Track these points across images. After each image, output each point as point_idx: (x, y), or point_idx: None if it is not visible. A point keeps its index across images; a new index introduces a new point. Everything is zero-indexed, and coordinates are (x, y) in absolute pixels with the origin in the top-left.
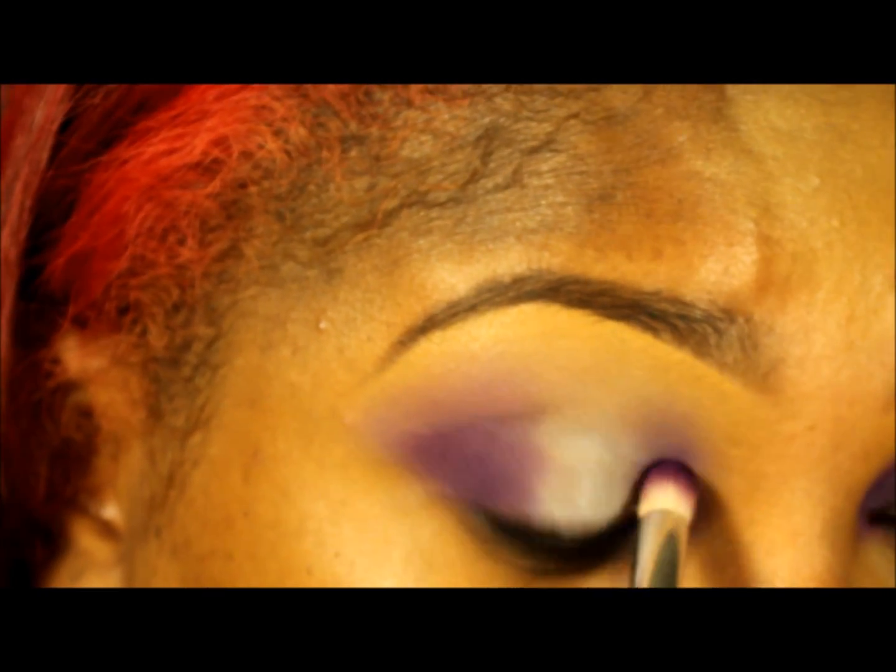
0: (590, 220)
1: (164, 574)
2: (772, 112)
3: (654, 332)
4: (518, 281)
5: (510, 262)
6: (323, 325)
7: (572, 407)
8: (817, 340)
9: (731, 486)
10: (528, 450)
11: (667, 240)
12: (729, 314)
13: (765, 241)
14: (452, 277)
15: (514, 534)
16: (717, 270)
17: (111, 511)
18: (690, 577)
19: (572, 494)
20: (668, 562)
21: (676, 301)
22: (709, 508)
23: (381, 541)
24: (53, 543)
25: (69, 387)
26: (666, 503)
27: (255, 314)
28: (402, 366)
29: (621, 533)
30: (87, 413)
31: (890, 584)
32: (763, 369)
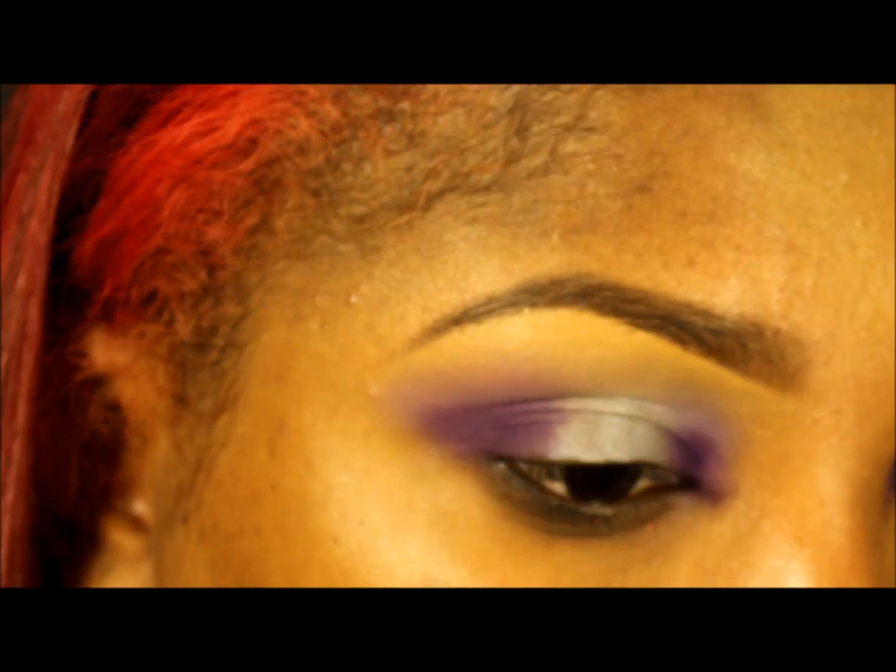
0: (629, 217)
1: (193, 559)
2: (803, 98)
3: (682, 343)
4: (556, 284)
5: (551, 263)
6: (354, 299)
7: (596, 394)
8: (843, 342)
9: (758, 462)
10: (549, 407)
11: (700, 244)
12: (757, 328)
13: (792, 248)
14: (494, 273)
15: (534, 487)
16: (747, 283)
17: (139, 506)
18: (725, 541)
19: (594, 437)
20: None
21: (707, 314)
22: (738, 477)
23: (404, 507)
24: (82, 540)
25: (96, 381)
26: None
27: (284, 288)
28: (432, 350)
29: (641, 501)
30: (114, 407)
31: None
32: (789, 374)
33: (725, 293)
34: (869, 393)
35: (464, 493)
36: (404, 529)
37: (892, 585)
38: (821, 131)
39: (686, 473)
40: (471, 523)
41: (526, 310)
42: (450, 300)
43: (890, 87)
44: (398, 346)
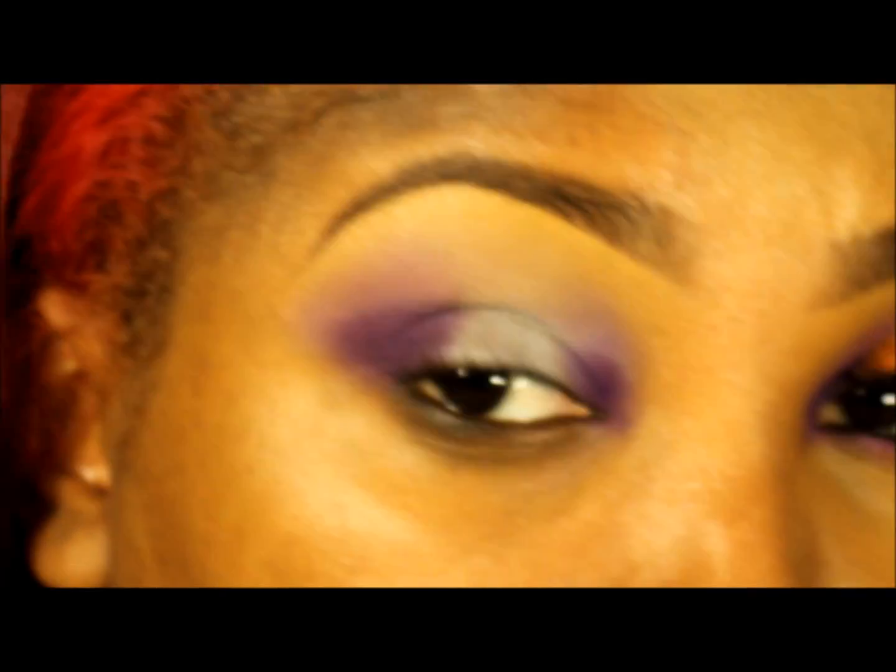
0: (509, 105)
1: (132, 506)
2: None
3: (567, 217)
4: (438, 163)
5: (431, 145)
6: (259, 226)
7: (490, 287)
8: (735, 234)
9: (659, 378)
10: (446, 317)
11: (582, 127)
12: (642, 203)
13: (680, 133)
14: (375, 162)
15: (435, 406)
16: (631, 161)
17: (97, 471)
18: (631, 471)
19: (490, 341)
20: None
21: (589, 187)
22: (643, 402)
23: (315, 436)
24: (43, 504)
25: (53, 340)
26: None
27: (203, 228)
28: (331, 253)
29: (548, 429)
30: (72, 367)
31: (843, 492)
32: (678, 260)
33: (609, 169)
34: (768, 302)
35: (372, 419)
36: (315, 457)
37: (807, 525)
38: None
39: (593, 403)
40: (378, 450)
41: (412, 192)
42: (339, 199)
43: None
44: (300, 260)
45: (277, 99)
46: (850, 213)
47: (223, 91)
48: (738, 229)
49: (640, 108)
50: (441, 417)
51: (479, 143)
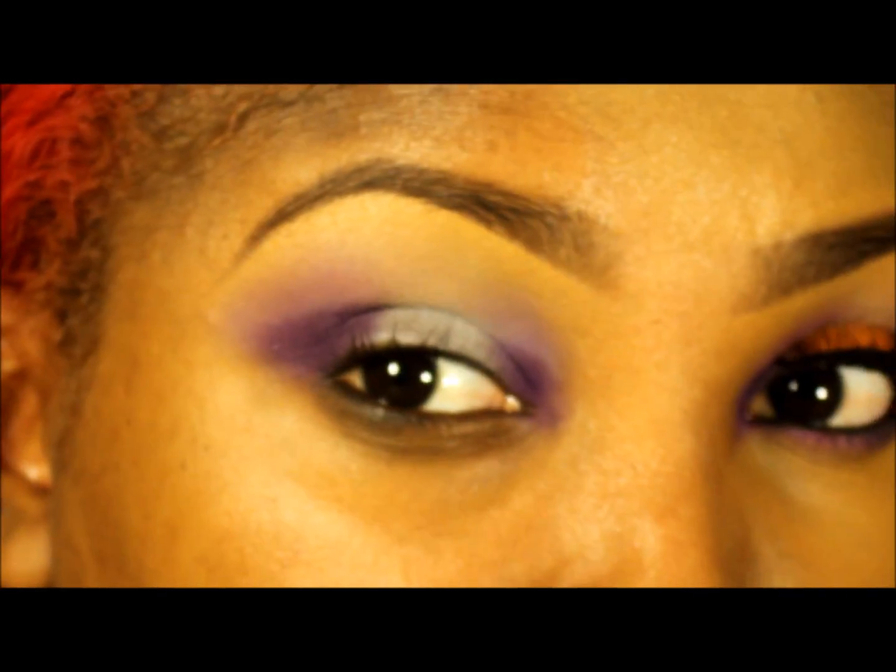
0: (426, 111)
1: (70, 504)
2: None
3: (487, 223)
4: (358, 170)
5: (352, 152)
6: (187, 229)
7: (413, 292)
8: (655, 240)
9: (585, 377)
10: (374, 331)
11: (501, 132)
12: (561, 210)
13: (598, 140)
14: (299, 170)
15: (366, 402)
16: (550, 168)
17: (39, 470)
18: (563, 465)
19: (413, 324)
20: None
21: (508, 194)
22: (571, 399)
23: (246, 432)
24: None
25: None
26: None
27: (132, 228)
28: (255, 260)
29: (480, 421)
30: (11, 366)
31: (773, 485)
32: (599, 266)
33: (528, 176)
34: (691, 305)
35: (302, 415)
36: (247, 453)
37: (737, 520)
38: None
39: (523, 396)
40: (310, 444)
41: (333, 199)
42: (263, 206)
43: None
44: (226, 265)
45: (202, 101)
46: (770, 219)
47: (148, 92)
48: (658, 235)
49: (558, 114)
50: (371, 411)
51: (400, 149)
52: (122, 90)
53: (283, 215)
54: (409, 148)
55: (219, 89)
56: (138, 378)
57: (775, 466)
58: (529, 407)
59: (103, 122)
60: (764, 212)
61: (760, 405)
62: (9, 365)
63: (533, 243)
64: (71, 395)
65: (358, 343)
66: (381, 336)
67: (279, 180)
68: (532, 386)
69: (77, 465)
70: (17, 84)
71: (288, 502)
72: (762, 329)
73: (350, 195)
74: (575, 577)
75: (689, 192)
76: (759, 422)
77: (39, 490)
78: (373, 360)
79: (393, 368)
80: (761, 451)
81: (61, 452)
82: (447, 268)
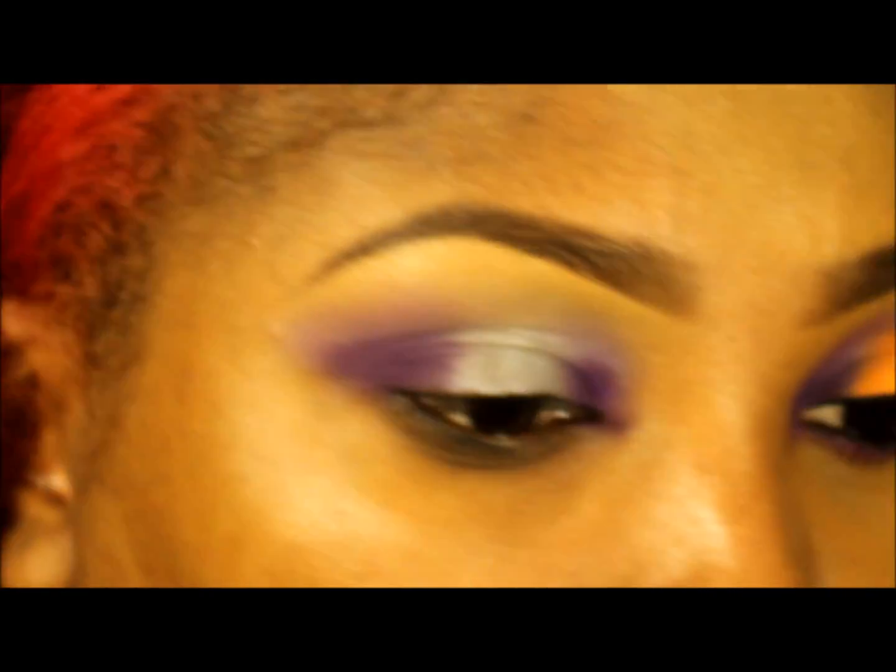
0: (515, 146)
1: (108, 518)
2: None
3: (573, 266)
4: (446, 213)
5: (440, 193)
6: (253, 240)
7: (493, 325)
8: (733, 268)
9: (657, 390)
10: (449, 346)
11: (585, 169)
12: (646, 250)
13: (677, 172)
14: (386, 206)
15: (436, 419)
16: (632, 205)
17: (56, 480)
18: (631, 471)
19: (494, 371)
20: None
21: (596, 237)
22: (639, 407)
23: (309, 444)
24: (5, 513)
25: (10, 353)
26: None
27: (186, 234)
28: (330, 286)
29: (546, 432)
30: (29, 378)
31: (827, 485)
32: (680, 297)
33: (613, 217)
34: (763, 321)
35: (369, 427)
36: (311, 465)
37: (800, 519)
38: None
39: (588, 406)
40: (376, 456)
41: (418, 241)
42: (344, 235)
43: None
44: (297, 284)
45: (272, 112)
46: (835, 238)
47: (209, 99)
48: (735, 263)
49: (639, 147)
50: (442, 427)
51: (486, 191)
52: (183, 96)
53: (364, 249)
54: (496, 190)
55: (290, 100)
56: (191, 388)
57: (823, 468)
58: (595, 414)
59: (159, 127)
60: (829, 231)
61: (809, 413)
62: (24, 376)
63: (617, 283)
64: (107, 407)
65: (432, 385)
66: (457, 384)
67: (363, 212)
68: (598, 393)
69: (119, 478)
70: (49, 86)
71: (357, 514)
72: (824, 341)
73: (436, 237)
74: (651, 583)
75: (764, 217)
76: (809, 426)
77: (55, 499)
78: None
79: None
80: (811, 455)
81: (94, 465)
82: (530, 307)
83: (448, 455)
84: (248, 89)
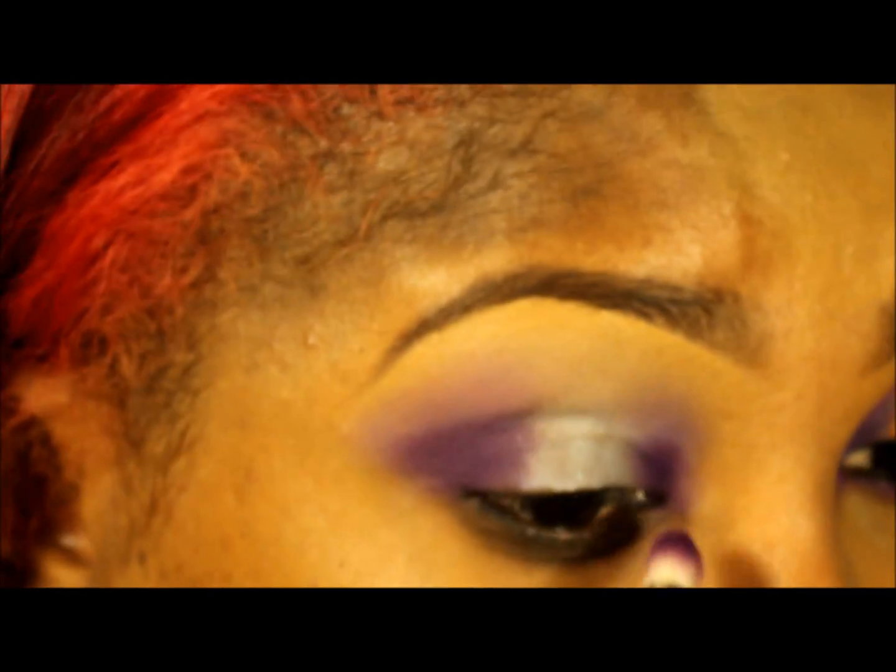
0: (577, 214)
1: None
2: (737, 92)
3: (648, 317)
4: (510, 278)
5: (500, 260)
6: (311, 340)
7: (568, 395)
8: (800, 313)
9: (724, 459)
10: (520, 433)
11: (654, 228)
12: (718, 294)
13: (746, 220)
14: (443, 280)
15: (508, 518)
16: (704, 254)
17: (78, 540)
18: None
19: (565, 465)
20: None
21: (668, 286)
22: (704, 482)
23: (382, 547)
24: (20, 576)
25: (31, 424)
26: (672, 575)
27: (237, 336)
28: (398, 371)
29: (611, 523)
30: (50, 448)
31: (868, 534)
32: (752, 344)
33: (684, 267)
34: (828, 375)
35: (440, 528)
36: (384, 568)
37: (852, 577)
38: (758, 121)
39: (653, 489)
40: (449, 558)
41: (483, 309)
42: (404, 317)
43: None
44: (363, 378)
45: (320, 210)
46: (892, 273)
47: (256, 200)
48: (801, 308)
49: (708, 201)
50: (515, 526)
51: (551, 254)
52: (228, 195)
53: (427, 325)
54: (560, 253)
55: (339, 197)
56: (254, 489)
57: (863, 515)
58: (660, 497)
59: (203, 227)
60: (888, 267)
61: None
62: (48, 443)
63: (693, 329)
64: (149, 490)
65: (507, 485)
66: (532, 483)
67: (420, 290)
68: (664, 475)
69: (168, 564)
70: (97, 190)
71: None
72: (883, 384)
73: (503, 303)
74: None
75: (825, 260)
76: (852, 473)
77: (74, 560)
78: None
79: None
80: (852, 503)
81: (136, 543)
82: (605, 367)
83: (521, 551)
84: (296, 190)
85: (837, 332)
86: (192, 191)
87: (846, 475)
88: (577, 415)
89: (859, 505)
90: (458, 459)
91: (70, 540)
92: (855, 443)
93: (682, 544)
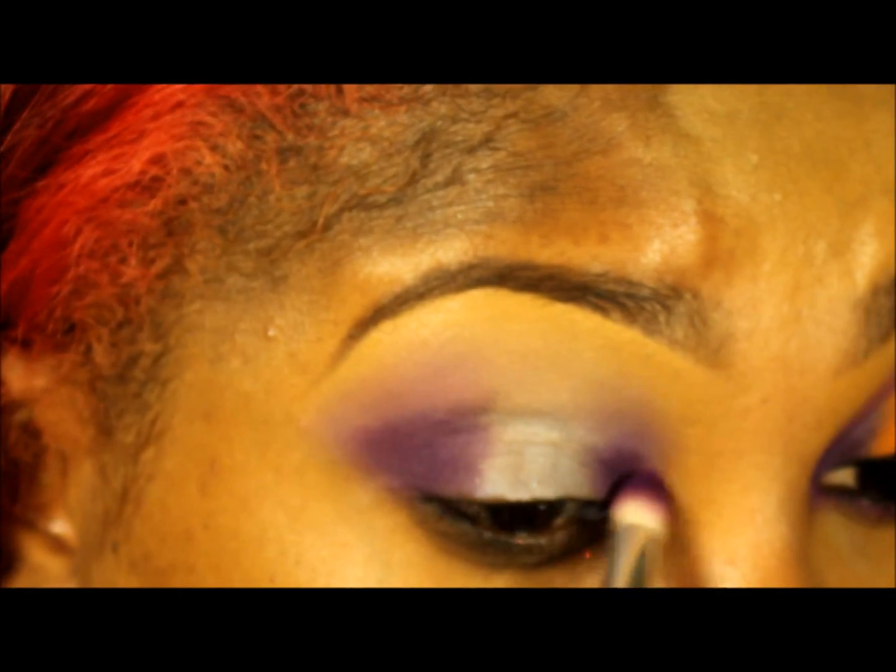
0: (533, 209)
1: (119, 584)
2: (707, 96)
3: (604, 311)
4: (465, 268)
5: (455, 251)
6: (271, 332)
7: (523, 391)
8: (765, 313)
9: (687, 467)
10: (476, 434)
11: (612, 225)
12: (676, 291)
13: (708, 218)
14: (397, 268)
15: (465, 522)
16: (663, 250)
17: (61, 526)
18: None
19: (520, 474)
20: (638, 578)
21: (624, 281)
22: (667, 490)
23: (339, 545)
24: (4, 561)
25: (13, 407)
26: (638, 518)
27: (202, 328)
28: (354, 359)
29: (574, 528)
30: (33, 432)
31: (846, 555)
32: (713, 344)
33: (642, 263)
34: (797, 378)
35: (398, 529)
36: (340, 568)
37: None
38: (727, 124)
39: (612, 500)
40: (406, 559)
41: (437, 298)
42: (359, 304)
43: (801, 86)
44: (321, 368)
45: (282, 203)
46: (868, 265)
47: (221, 192)
48: (767, 307)
49: (667, 199)
50: (472, 531)
51: (506, 247)
52: (194, 188)
53: (382, 312)
54: (517, 245)
55: (302, 190)
56: (217, 482)
57: (841, 536)
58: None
59: (170, 220)
60: (863, 261)
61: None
62: (29, 427)
63: (650, 325)
64: (119, 478)
65: (460, 491)
66: (486, 490)
67: (374, 278)
68: (623, 485)
69: (137, 553)
70: (69, 178)
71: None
72: (861, 385)
73: (457, 292)
74: None
75: (797, 259)
76: (830, 491)
77: (58, 546)
78: None
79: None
80: (829, 520)
81: (110, 532)
82: (561, 363)
83: (479, 556)
84: (259, 182)
85: (808, 331)
86: (159, 181)
87: (827, 492)
88: (534, 416)
89: (839, 525)
90: (415, 460)
91: (56, 526)
92: (837, 460)
93: (653, 488)
